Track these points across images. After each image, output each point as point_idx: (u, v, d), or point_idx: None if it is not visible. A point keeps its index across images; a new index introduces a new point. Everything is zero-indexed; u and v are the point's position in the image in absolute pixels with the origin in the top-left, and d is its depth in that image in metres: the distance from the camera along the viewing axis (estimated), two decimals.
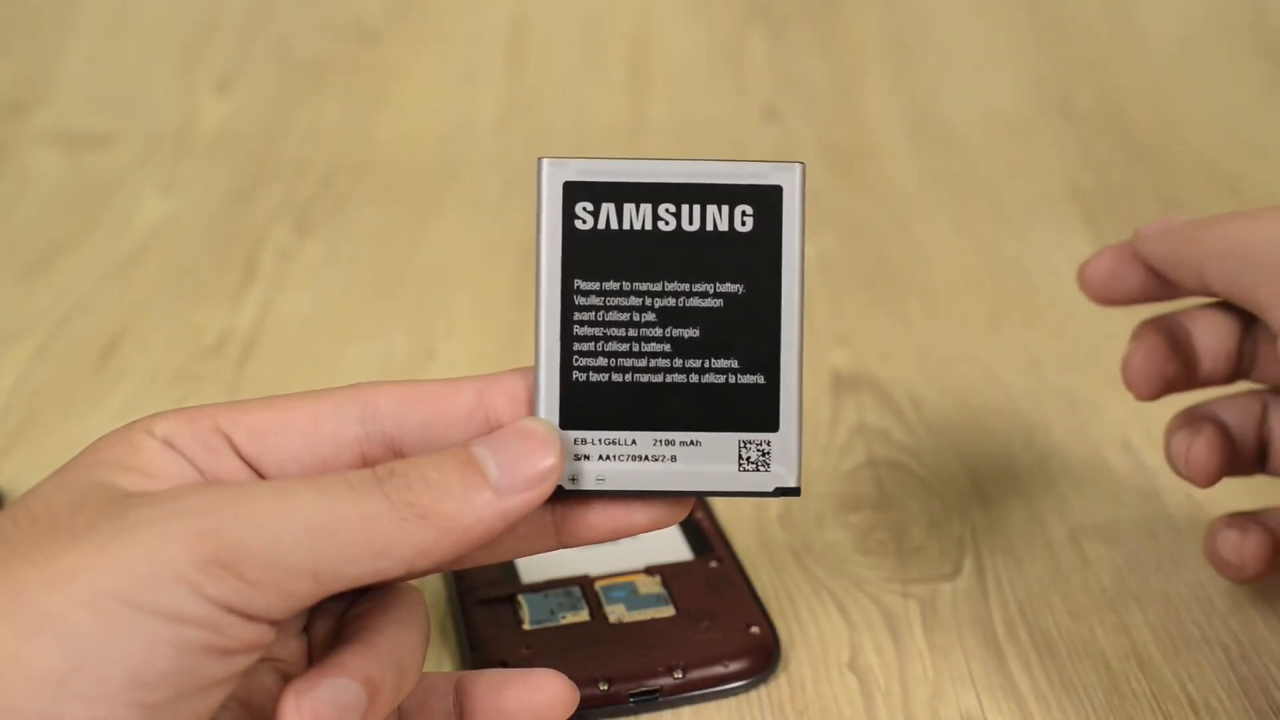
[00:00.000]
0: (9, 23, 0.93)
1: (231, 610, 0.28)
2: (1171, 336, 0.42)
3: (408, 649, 0.32)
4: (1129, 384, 0.42)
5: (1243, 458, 0.42)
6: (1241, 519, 0.43)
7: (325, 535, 0.29)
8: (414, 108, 0.89)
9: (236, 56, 0.92)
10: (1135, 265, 0.42)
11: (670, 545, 0.46)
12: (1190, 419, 0.42)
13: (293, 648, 0.33)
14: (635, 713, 0.40)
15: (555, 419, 0.33)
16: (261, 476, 0.32)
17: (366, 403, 0.33)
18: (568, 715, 0.34)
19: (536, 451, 0.31)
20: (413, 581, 0.36)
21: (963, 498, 0.51)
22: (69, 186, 0.81)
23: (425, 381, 0.34)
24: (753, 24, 0.94)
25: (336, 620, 0.34)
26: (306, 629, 0.34)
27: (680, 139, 0.85)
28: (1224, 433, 0.41)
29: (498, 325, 0.65)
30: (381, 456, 0.33)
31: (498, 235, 0.74)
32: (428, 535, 0.30)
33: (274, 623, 0.29)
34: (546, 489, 0.31)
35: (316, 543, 0.29)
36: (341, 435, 0.33)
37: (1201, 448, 0.41)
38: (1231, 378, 0.43)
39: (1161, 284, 0.42)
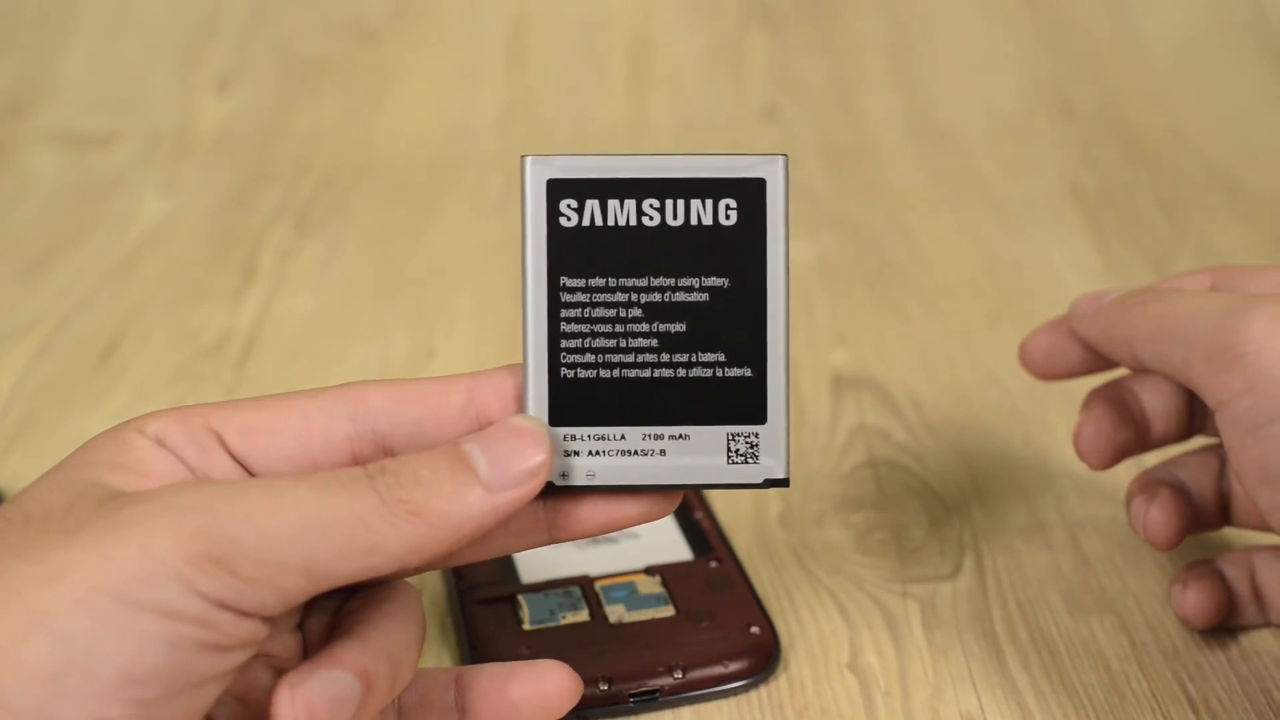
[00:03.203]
0: (9, 23, 0.93)
1: (225, 606, 0.28)
2: (1120, 404, 0.42)
3: (402, 643, 0.32)
4: (1081, 456, 0.42)
5: (1204, 515, 0.43)
6: (1187, 573, 0.43)
7: (318, 532, 0.29)
8: (414, 108, 0.89)
9: (236, 56, 0.92)
10: (1072, 341, 0.43)
11: (670, 545, 0.46)
12: (1146, 483, 0.42)
13: (288, 644, 0.33)
14: (635, 713, 0.40)
15: (544, 416, 0.34)
16: (252, 475, 0.33)
17: (357, 401, 0.33)
18: (573, 705, 0.35)
19: (526, 448, 0.31)
20: (411, 580, 0.36)
21: (963, 498, 0.51)
22: (69, 186, 0.81)
23: (416, 380, 0.34)
24: (753, 24, 0.94)
25: (331, 616, 0.34)
26: (301, 625, 0.34)
27: (680, 139, 0.85)
28: (1181, 495, 0.42)
29: (498, 325, 0.65)
30: (372, 455, 0.33)
31: (498, 235, 0.74)
32: (419, 531, 0.30)
33: (267, 619, 0.29)
34: (536, 485, 0.32)
35: (309, 539, 0.29)
36: (332, 434, 0.33)
37: (1158, 513, 0.41)
38: (1185, 435, 0.43)
39: (1100, 356, 0.42)
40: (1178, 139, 0.85)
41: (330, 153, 0.85)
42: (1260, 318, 0.34)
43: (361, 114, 0.89)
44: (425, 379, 0.34)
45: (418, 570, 0.34)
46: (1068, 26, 0.95)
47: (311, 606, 0.34)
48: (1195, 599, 0.42)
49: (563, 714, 0.35)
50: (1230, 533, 0.47)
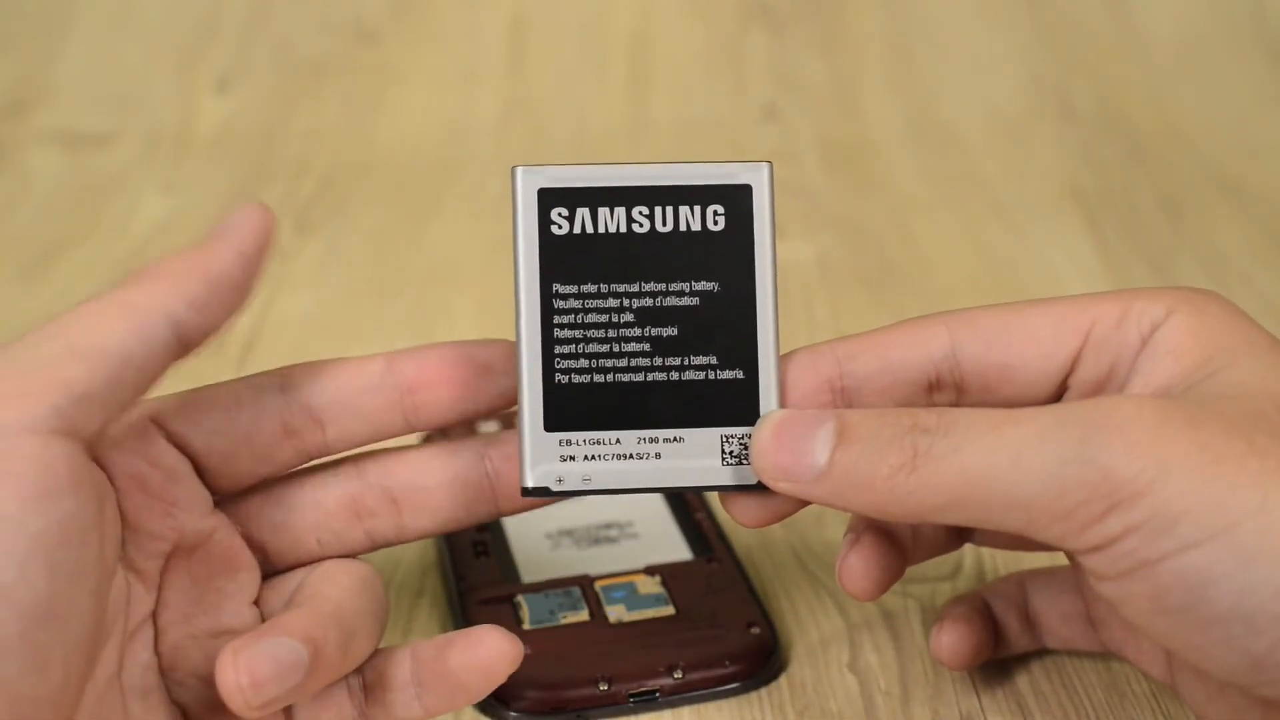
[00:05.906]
0: (9, 23, 0.93)
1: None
2: (887, 532, 0.38)
3: (354, 613, 0.33)
4: (848, 588, 0.37)
5: (1007, 636, 0.41)
6: (945, 613, 0.40)
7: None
8: (414, 108, 0.89)
9: (236, 56, 0.92)
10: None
11: (670, 545, 0.46)
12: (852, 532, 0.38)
13: (247, 620, 0.34)
14: (635, 713, 0.40)
15: (540, 421, 0.34)
16: (190, 456, 0.35)
17: (285, 375, 0.36)
18: (513, 668, 0.34)
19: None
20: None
21: None
22: (69, 186, 0.81)
23: (335, 359, 0.37)
24: (753, 23, 0.94)
25: (291, 598, 0.35)
26: (258, 602, 0.35)
27: (680, 139, 0.85)
28: (885, 539, 0.38)
29: (498, 325, 0.64)
30: (301, 422, 0.35)
31: (498, 235, 0.73)
32: None
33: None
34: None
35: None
36: (261, 406, 0.36)
37: (855, 560, 0.37)
38: (955, 546, 0.40)
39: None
40: (1178, 139, 0.85)
41: (330, 153, 0.85)
42: (1125, 457, 0.30)
43: (361, 114, 0.89)
44: (344, 358, 0.36)
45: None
46: (1067, 26, 0.95)
47: (271, 587, 0.35)
48: (949, 642, 0.40)
49: (503, 679, 0.34)
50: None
